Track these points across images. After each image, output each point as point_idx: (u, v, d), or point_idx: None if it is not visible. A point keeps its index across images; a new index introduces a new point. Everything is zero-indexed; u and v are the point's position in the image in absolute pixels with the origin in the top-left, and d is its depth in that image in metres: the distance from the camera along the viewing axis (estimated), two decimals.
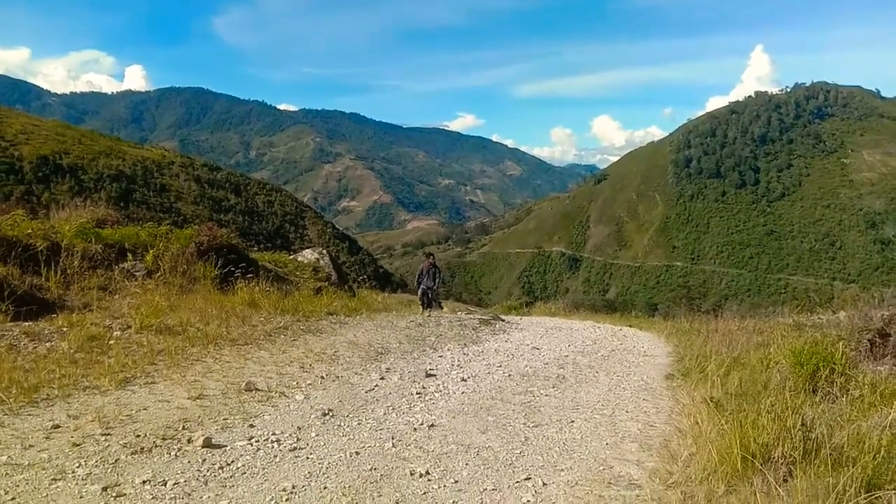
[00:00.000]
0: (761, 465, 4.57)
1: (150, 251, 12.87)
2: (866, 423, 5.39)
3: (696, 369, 9.30)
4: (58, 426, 5.34)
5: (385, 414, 6.64)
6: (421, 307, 16.73)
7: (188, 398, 6.41)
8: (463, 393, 7.82)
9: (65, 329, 8.36)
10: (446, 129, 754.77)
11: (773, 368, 8.24)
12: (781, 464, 4.61)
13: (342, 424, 6.16)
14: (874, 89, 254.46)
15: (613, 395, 8.23)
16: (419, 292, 17.17)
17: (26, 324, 8.49)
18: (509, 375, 9.17)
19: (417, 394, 7.59)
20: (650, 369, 10.47)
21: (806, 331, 12.65)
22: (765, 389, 7.00)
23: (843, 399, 6.80)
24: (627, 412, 7.33)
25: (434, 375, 8.80)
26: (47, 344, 7.70)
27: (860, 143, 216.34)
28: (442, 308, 25.74)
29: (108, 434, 5.27)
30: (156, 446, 5.12)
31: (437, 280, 17.23)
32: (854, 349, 9.03)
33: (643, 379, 9.50)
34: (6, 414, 5.51)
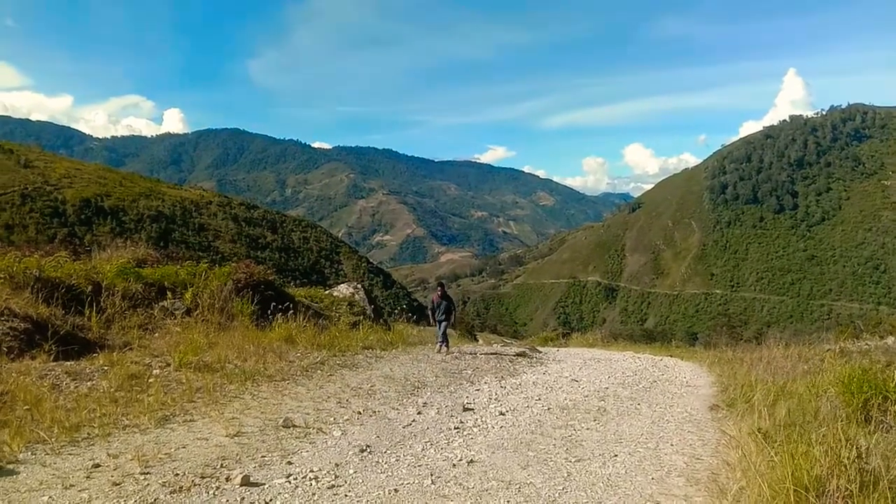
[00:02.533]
0: (816, 498, 4.38)
1: (189, 289, 13.06)
2: None
3: (742, 399, 9.04)
4: (98, 465, 5.36)
5: (423, 450, 6.55)
6: (438, 344, 15.05)
7: (226, 435, 6.40)
8: (502, 427, 7.69)
9: (105, 368, 8.47)
10: (477, 161, 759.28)
11: (822, 397, 7.97)
12: (837, 497, 4.42)
13: (380, 461, 6.08)
14: None
15: (657, 428, 8.01)
16: (438, 328, 15.37)
17: (68, 363, 8.62)
18: (549, 409, 9.01)
19: (455, 428, 7.48)
20: (693, 400, 10.21)
21: (853, 357, 12.27)
22: (815, 419, 6.75)
23: None
24: (672, 445, 7.12)
25: (472, 409, 8.68)
26: (88, 383, 7.80)
27: None
28: (477, 341, 25.57)
29: (148, 473, 5.28)
30: (194, 485, 5.10)
31: (451, 314, 15.43)
32: None
33: (687, 410, 9.26)
34: (48, 454, 5.57)
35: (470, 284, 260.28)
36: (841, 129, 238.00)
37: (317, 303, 17.42)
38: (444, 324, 15.12)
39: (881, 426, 6.74)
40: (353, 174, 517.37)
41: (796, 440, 5.25)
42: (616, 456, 6.59)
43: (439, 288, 15.85)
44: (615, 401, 9.91)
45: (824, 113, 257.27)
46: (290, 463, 5.83)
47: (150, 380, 8.21)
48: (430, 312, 15.77)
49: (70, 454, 5.62)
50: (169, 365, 9.04)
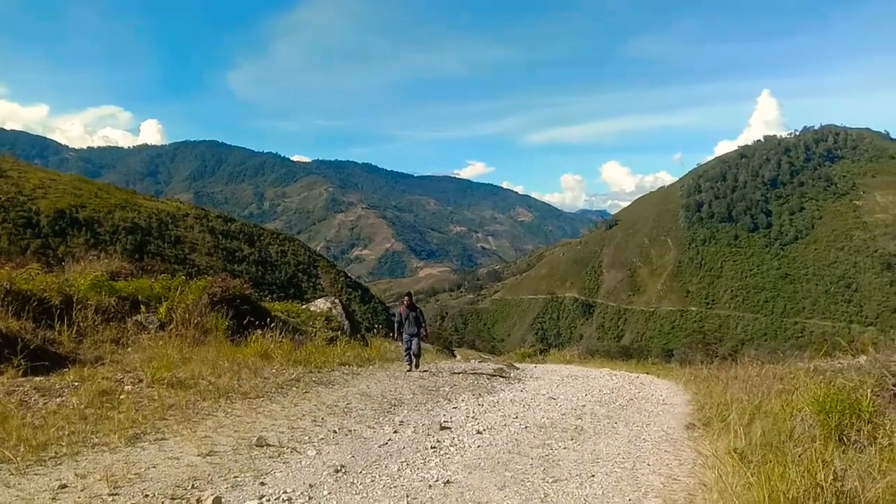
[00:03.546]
0: None
1: (164, 303, 12.89)
2: None
3: (718, 418, 9.07)
4: (65, 486, 5.21)
5: (399, 470, 6.47)
6: (406, 363, 14.13)
7: (198, 455, 6.27)
8: (479, 447, 7.63)
9: (76, 384, 8.29)
10: (457, 176, 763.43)
11: (797, 416, 8.01)
12: None
13: (355, 482, 5.99)
14: (883, 131, 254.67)
15: (634, 447, 8.01)
16: (403, 344, 14.29)
17: (38, 378, 8.43)
18: (526, 427, 8.98)
19: (432, 448, 7.41)
20: (670, 419, 10.23)
21: (827, 376, 12.37)
22: (790, 439, 6.79)
23: (872, 448, 6.56)
24: (649, 465, 7.11)
25: (449, 428, 8.62)
26: (58, 399, 7.62)
27: (872, 185, 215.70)
28: (455, 356, 25.48)
29: (116, 494, 5.14)
30: None
31: (420, 326, 14.24)
32: (878, 394, 8.78)
33: (663, 429, 9.27)
34: (13, 474, 5.40)
35: (448, 299, 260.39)
36: (814, 149, 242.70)
37: (293, 317, 17.27)
38: (415, 339, 14.11)
39: (855, 446, 6.79)
40: (332, 188, 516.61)
41: (772, 461, 5.26)
42: (593, 476, 6.56)
43: (406, 298, 14.73)
44: (592, 419, 9.90)
45: (797, 133, 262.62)
46: (262, 484, 5.71)
47: (122, 396, 8.04)
48: (395, 325, 14.55)
49: (36, 474, 5.45)
50: (141, 381, 8.88)
